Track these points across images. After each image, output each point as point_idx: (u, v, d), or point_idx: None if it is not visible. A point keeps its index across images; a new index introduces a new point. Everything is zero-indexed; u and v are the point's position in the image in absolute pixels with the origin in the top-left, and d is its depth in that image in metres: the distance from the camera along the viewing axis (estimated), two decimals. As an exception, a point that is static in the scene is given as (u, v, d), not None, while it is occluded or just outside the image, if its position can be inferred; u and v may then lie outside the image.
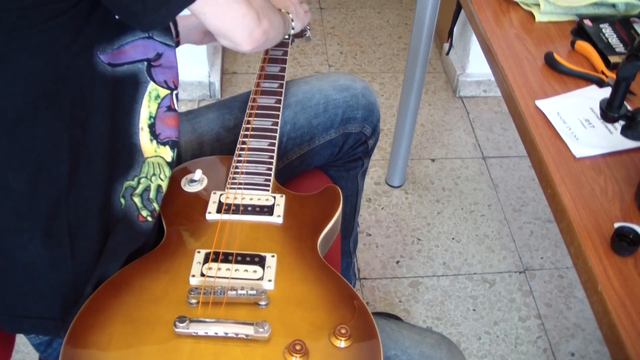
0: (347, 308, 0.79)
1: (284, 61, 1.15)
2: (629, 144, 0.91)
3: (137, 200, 0.86)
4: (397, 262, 1.75)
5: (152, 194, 0.88)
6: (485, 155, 2.09)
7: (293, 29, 1.10)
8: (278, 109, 1.05)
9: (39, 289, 0.82)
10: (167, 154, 0.89)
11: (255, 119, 1.03)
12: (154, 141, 0.87)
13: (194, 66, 2.16)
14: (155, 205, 0.88)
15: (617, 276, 0.75)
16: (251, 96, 1.07)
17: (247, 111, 1.04)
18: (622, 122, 0.84)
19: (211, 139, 1.11)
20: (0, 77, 0.74)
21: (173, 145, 0.89)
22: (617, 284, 0.75)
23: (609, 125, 0.96)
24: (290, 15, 1.10)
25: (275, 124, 1.02)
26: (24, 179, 0.77)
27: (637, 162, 0.91)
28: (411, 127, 1.83)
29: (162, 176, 0.89)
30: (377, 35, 2.60)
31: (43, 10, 0.71)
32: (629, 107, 0.84)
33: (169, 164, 0.89)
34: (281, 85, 1.09)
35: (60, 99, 0.77)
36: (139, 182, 0.86)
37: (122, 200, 0.85)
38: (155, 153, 0.87)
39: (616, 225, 0.81)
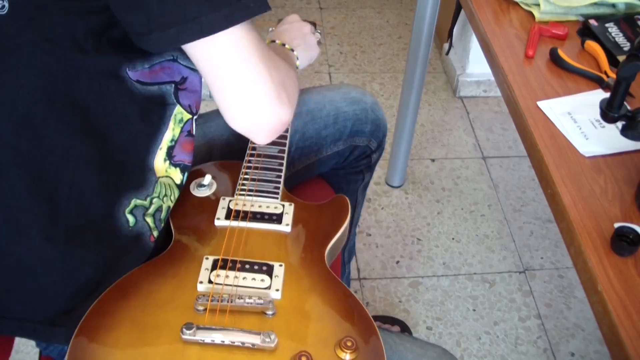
0: (354, 320, 0.78)
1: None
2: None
3: (149, 220, 0.85)
4: (397, 262, 1.75)
5: (163, 214, 0.87)
6: (485, 155, 2.09)
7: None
8: None
9: (23, 289, 0.81)
10: (177, 176, 0.88)
11: None
12: (167, 162, 0.86)
13: (194, 66, 2.15)
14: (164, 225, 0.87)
15: (617, 276, 0.75)
16: None
17: None
18: (622, 122, 0.84)
19: (221, 144, 1.11)
20: (13, 68, 0.73)
21: (184, 169, 0.88)
22: (617, 284, 0.75)
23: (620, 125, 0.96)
24: (296, 52, 1.03)
25: (286, 130, 1.02)
26: (26, 177, 0.77)
27: (637, 162, 0.91)
28: (411, 127, 1.83)
29: (172, 197, 0.88)
30: (377, 35, 2.60)
31: (64, 5, 0.70)
32: (628, 107, 0.84)
33: (177, 186, 0.88)
34: None
35: (77, 103, 0.76)
36: (151, 202, 0.85)
37: (130, 218, 0.83)
38: (165, 173, 0.86)
39: (616, 225, 0.81)
